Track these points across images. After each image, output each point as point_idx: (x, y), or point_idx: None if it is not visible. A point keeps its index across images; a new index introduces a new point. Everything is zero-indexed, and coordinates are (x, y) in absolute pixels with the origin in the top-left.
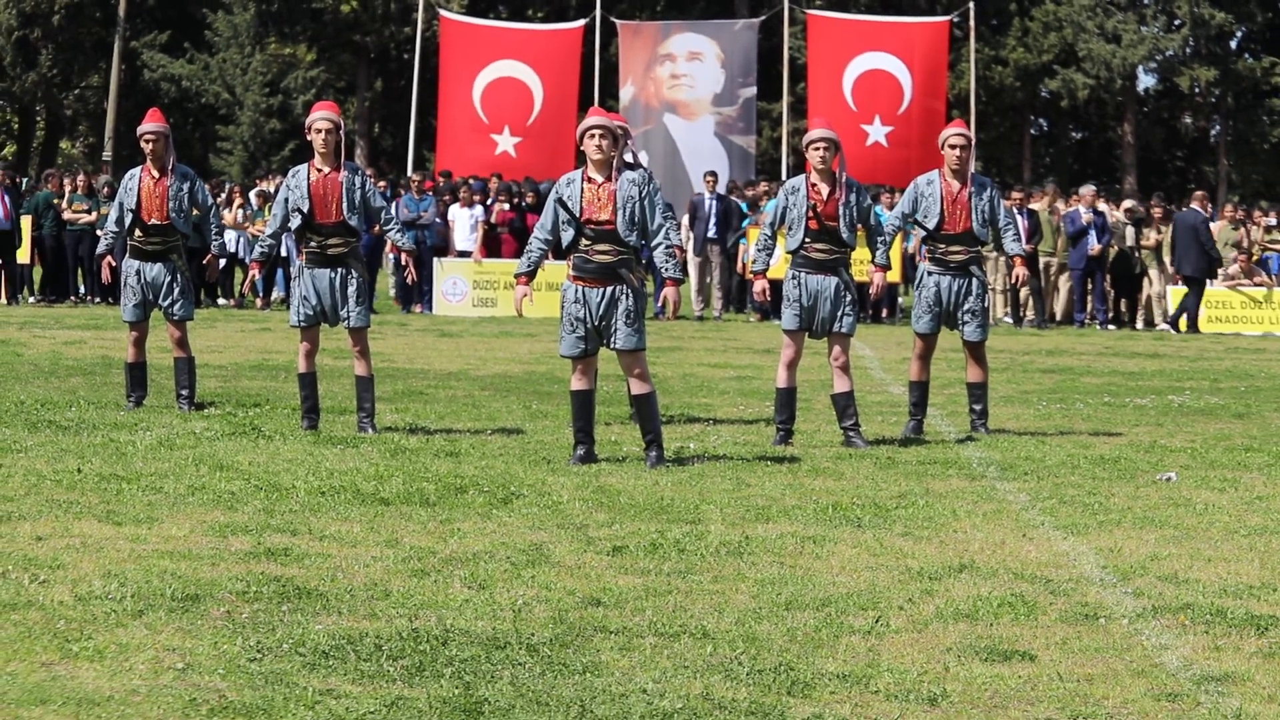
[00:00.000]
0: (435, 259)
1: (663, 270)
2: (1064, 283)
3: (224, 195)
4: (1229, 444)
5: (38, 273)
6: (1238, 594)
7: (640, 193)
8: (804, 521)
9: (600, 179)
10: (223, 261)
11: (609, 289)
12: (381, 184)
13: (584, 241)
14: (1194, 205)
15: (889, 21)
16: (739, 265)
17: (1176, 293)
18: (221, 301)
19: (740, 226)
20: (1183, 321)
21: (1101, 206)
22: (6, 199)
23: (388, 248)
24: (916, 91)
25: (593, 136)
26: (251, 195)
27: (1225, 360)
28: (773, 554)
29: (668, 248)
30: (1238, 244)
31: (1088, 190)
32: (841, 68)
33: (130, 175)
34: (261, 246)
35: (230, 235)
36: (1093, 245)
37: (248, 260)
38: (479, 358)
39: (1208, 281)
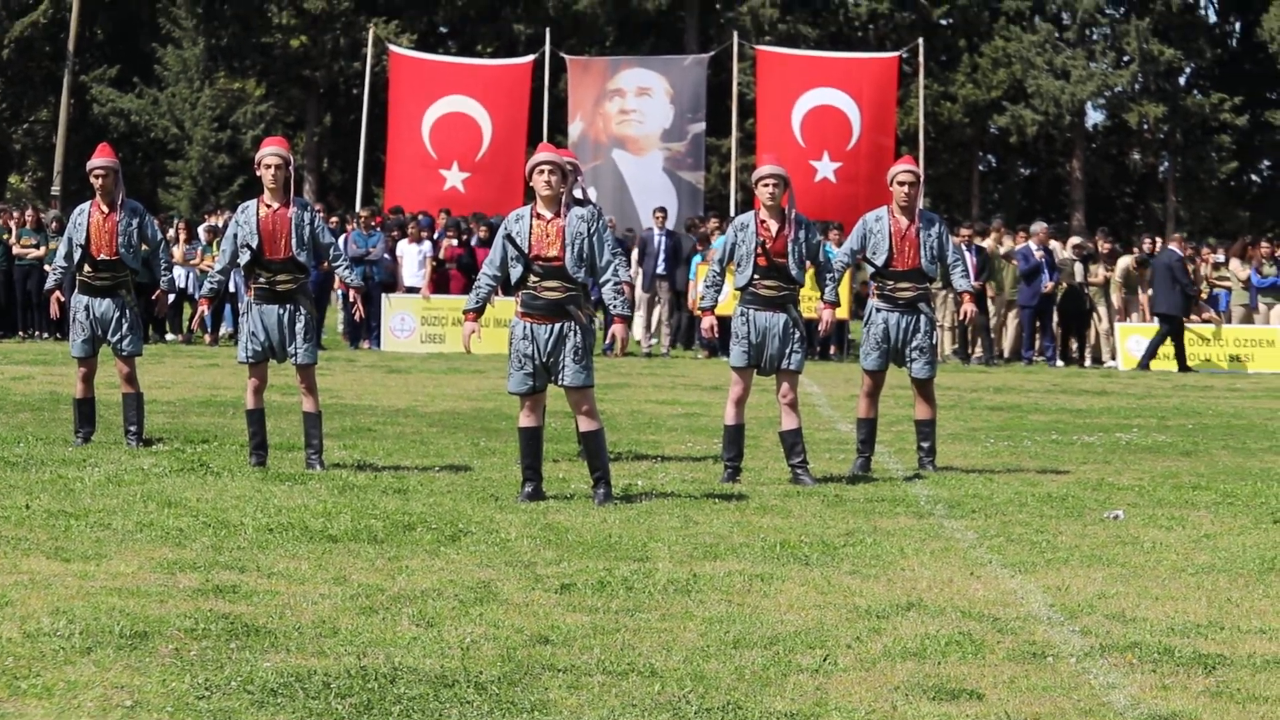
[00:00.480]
0: (383, 295)
1: (611, 307)
2: (1012, 319)
3: (172, 230)
4: (1176, 482)
5: None
6: (1185, 632)
7: (589, 229)
8: (752, 559)
9: (549, 215)
10: (171, 297)
11: (557, 325)
12: (332, 220)
13: (532, 278)
14: (1172, 245)
15: (838, 57)
16: (689, 301)
17: (1124, 330)
18: (170, 337)
19: (689, 262)
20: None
21: (1051, 244)
22: None
23: (336, 283)
24: (865, 127)
25: (542, 172)
26: (200, 230)
27: (1173, 398)
28: (721, 592)
29: (616, 284)
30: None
31: (1040, 227)
32: (790, 103)
33: (79, 210)
34: (210, 282)
35: (179, 271)
36: (1045, 283)
37: (196, 296)
38: (427, 394)
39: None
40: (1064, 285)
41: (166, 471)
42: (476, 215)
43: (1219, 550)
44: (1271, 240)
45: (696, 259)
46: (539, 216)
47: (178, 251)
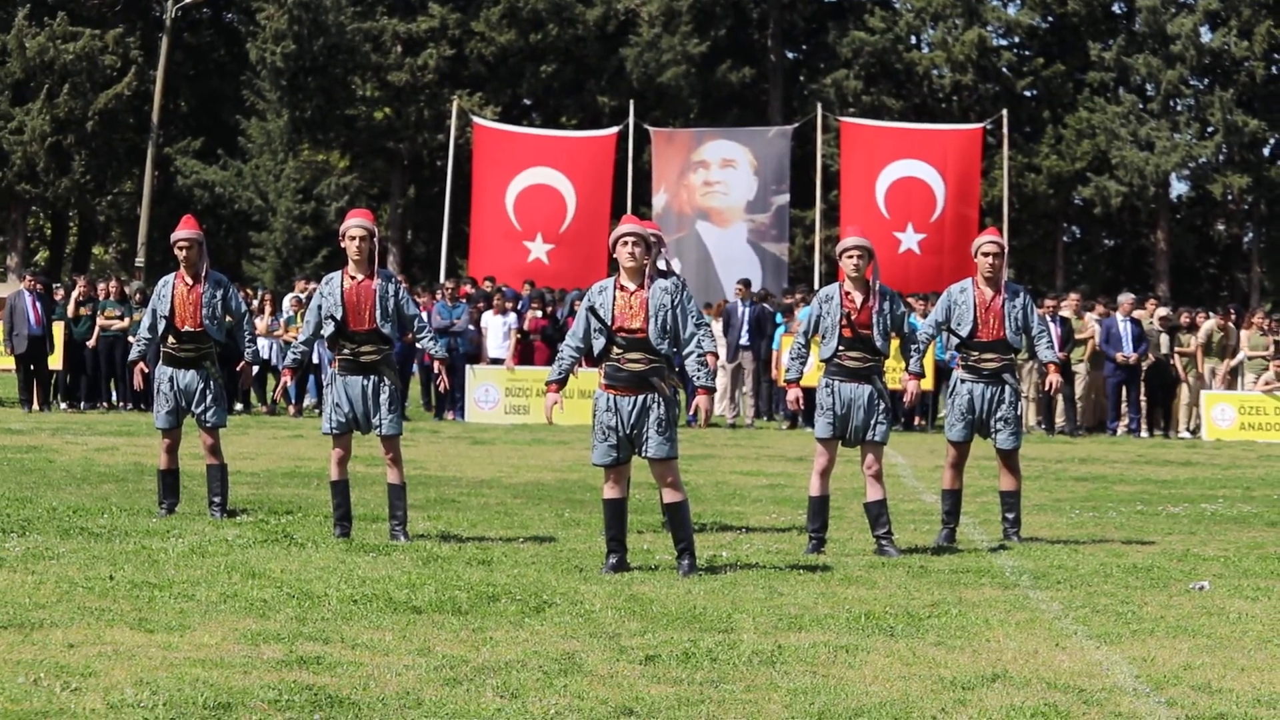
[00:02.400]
0: (468, 366)
1: (694, 379)
2: (1097, 390)
3: (256, 301)
4: (1262, 552)
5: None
6: (1272, 703)
7: (673, 301)
8: (837, 630)
9: (633, 287)
10: (255, 368)
11: (640, 397)
12: (423, 300)
13: (615, 350)
14: None
15: (922, 129)
16: (773, 372)
17: (1210, 399)
18: (255, 408)
19: (774, 334)
20: None
21: (1137, 314)
22: (38, 305)
23: (423, 355)
24: (950, 199)
25: (625, 244)
26: (285, 301)
27: (1259, 468)
28: (805, 663)
29: (700, 356)
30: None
31: (1126, 298)
32: (875, 175)
33: (164, 282)
34: (294, 353)
35: (263, 342)
36: (1131, 354)
37: (280, 367)
38: (511, 465)
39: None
40: (1150, 356)
41: (250, 542)
42: (562, 291)
43: None
44: None
45: (780, 330)
46: (623, 288)
47: (261, 323)
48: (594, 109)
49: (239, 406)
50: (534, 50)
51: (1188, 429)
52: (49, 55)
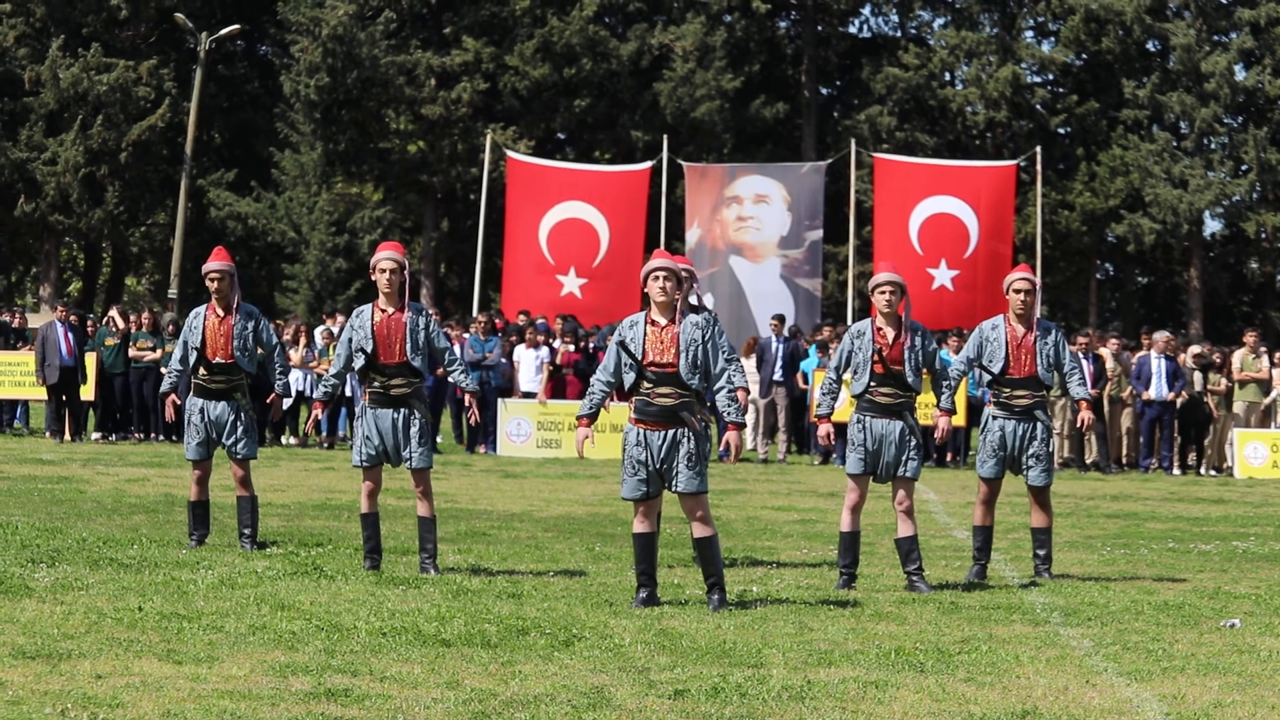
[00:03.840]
0: (500, 400)
1: (725, 414)
2: (1128, 427)
3: (290, 333)
4: None
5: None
6: None
7: (703, 336)
8: (866, 666)
9: (664, 321)
10: (288, 401)
11: (671, 432)
12: (458, 333)
13: (646, 384)
14: None
15: (956, 165)
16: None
17: (1243, 437)
18: (285, 440)
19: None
20: None
21: (1169, 353)
22: (70, 336)
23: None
24: (983, 235)
25: (657, 278)
26: (317, 334)
27: None
28: (835, 699)
29: (730, 391)
30: None
31: (1161, 336)
32: (908, 211)
33: (195, 313)
34: (325, 386)
35: (296, 374)
36: (1166, 392)
37: (313, 399)
38: (542, 499)
39: None
40: (1184, 395)
41: (280, 574)
42: (595, 328)
43: None
44: None
45: (814, 364)
46: (653, 323)
47: (296, 355)
48: (627, 143)
49: (270, 438)
50: (568, 84)
51: (1213, 467)
52: (83, 86)
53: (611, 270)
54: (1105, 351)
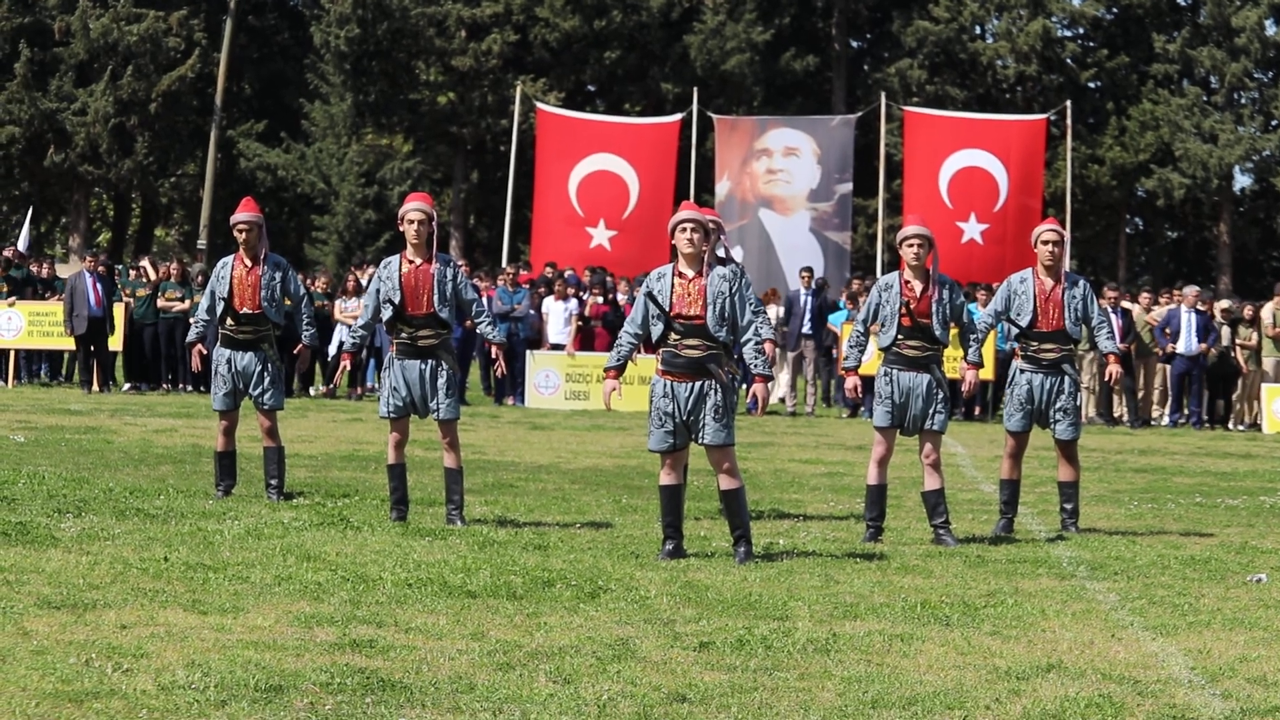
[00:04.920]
0: (528, 351)
1: (752, 366)
2: (1158, 381)
3: (342, 284)
4: None
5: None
6: None
7: (731, 288)
8: (892, 619)
9: (691, 274)
10: (334, 349)
11: (697, 384)
12: (484, 285)
13: (673, 336)
14: None
15: (986, 119)
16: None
17: (1271, 391)
18: (313, 391)
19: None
20: None
21: (1201, 306)
22: (99, 286)
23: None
24: (1012, 189)
25: (684, 230)
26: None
27: None
28: (860, 651)
29: (757, 344)
30: None
31: (1191, 291)
32: (938, 165)
33: (223, 264)
34: (353, 336)
35: (342, 328)
36: (1195, 346)
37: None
38: (570, 451)
39: None
40: (1215, 349)
41: (306, 525)
42: (625, 279)
43: None
44: None
45: (842, 316)
46: (680, 275)
47: (355, 305)
48: (657, 96)
49: (298, 388)
50: (598, 36)
51: (1241, 422)
52: (113, 37)
53: (641, 223)
54: (1135, 306)
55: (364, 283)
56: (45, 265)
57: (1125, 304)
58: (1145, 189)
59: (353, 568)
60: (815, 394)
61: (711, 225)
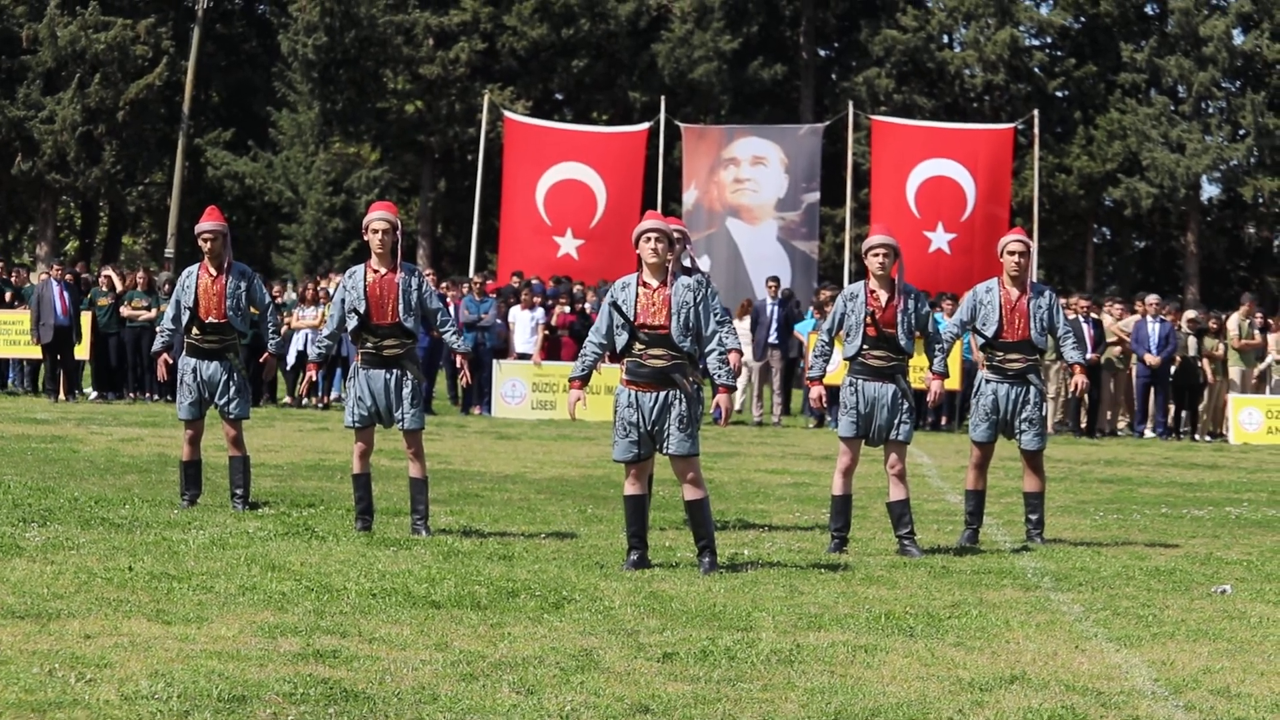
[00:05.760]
0: (495, 361)
1: (715, 377)
2: (1123, 392)
3: (296, 293)
4: None
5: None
6: None
7: (695, 298)
8: (856, 630)
9: (655, 283)
10: (292, 359)
11: (662, 394)
12: (451, 294)
13: (638, 346)
14: None
15: (953, 128)
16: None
17: (1237, 402)
18: (279, 400)
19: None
20: None
21: (1165, 316)
22: (66, 295)
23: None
24: (980, 198)
25: (648, 240)
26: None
27: None
28: (824, 662)
29: (722, 354)
30: None
31: (1153, 299)
32: (905, 174)
33: (188, 273)
34: (318, 346)
35: (302, 334)
36: (1156, 356)
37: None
38: (536, 460)
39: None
40: (1177, 359)
41: (271, 535)
42: (601, 282)
43: None
44: None
45: (809, 326)
46: (645, 285)
47: (313, 314)
48: (625, 104)
49: (265, 397)
50: (566, 45)
51: (1208, 433)
52: (80, 44)
53: (608, 231)
54: (1107, 317)
55: (330, 291)
56: (16, 273)
57: (1095, 315)
58: (1112, 198)
59: (317, 578)
60: (780, 404)
61: (676, 235)
